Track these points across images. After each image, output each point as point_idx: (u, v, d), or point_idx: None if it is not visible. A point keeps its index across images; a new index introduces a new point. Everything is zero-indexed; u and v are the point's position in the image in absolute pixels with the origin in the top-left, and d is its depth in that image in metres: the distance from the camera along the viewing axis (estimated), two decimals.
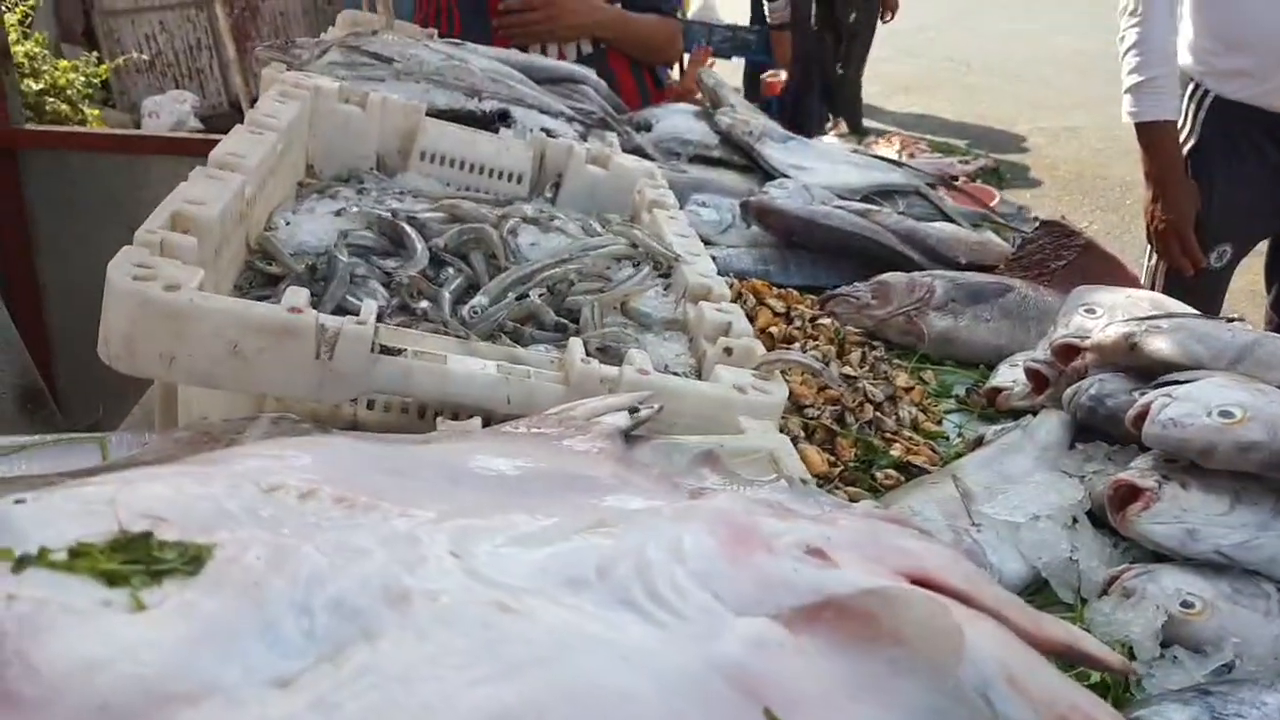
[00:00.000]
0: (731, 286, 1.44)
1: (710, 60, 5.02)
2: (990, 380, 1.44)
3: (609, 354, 1.02)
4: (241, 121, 1.19)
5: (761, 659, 0.46)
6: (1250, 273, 2.71)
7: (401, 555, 0.46)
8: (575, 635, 0.45)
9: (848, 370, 1.36)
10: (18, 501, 0.43)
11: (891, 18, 6.64)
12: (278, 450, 0.58)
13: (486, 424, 0.86)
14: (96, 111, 4.78)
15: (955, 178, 2.28)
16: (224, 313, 0.82)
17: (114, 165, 2.84)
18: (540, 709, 0.40)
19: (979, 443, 1.25)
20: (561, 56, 2.36)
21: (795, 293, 1.58)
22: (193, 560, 0.41)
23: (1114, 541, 1.07)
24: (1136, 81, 2.24)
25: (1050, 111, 8.69)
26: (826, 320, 1.50)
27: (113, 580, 0.39)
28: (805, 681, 0.46)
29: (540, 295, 1.11)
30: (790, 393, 1.20)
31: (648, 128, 2.09)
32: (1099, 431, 1.20)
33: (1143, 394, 1.09)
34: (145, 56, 5.68)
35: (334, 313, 0.92)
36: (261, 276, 1.09)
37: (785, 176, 1.97)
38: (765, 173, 2.02)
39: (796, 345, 1.40)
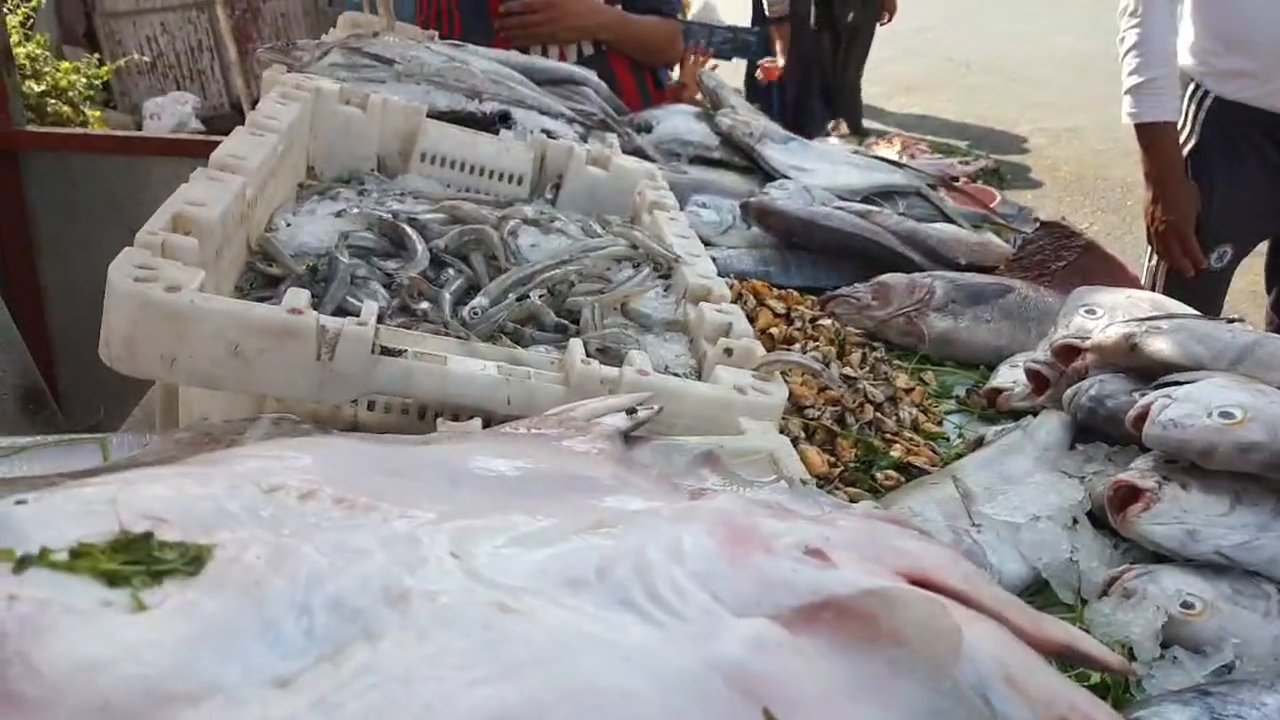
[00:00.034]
0: (732, 287, 1.45)
1: (714, 64, 5.03)
2: (990, 381, 1.44)
3: (609, 355, 1.02)
4: (243, 123, 1.19)
5: (761, 659, 0.46)
6: (1251, 273, 2.71)
7: (402, 556, 0.46)
8: (575, 636, 0.45)
9: (848, 371, 1.36)
10: (19, 502, 0.43)
11: (890, 19, 6.63)
12: (278, 451, 0.58)
13: (487, 425, 0.86)
14: (98, 113, 4.79)
15: (956, 178, 2.28)
16: (225, 314, 0.82)
17: (115, 167, 2.84)
18: (540, 709, 0.40)
19: (979, 443, 1.25)
20: (562, 58, 2.36)
21: (795, 294, 1.58)
22: (193, 560, 0.41)
23: (1114, 542, 1.07)
24: (1136, 82, 2.24)
25: (1051, 112, 8.69)
26: (827, 321, 1.50)
27: (114, 580, 0.39)
28: (804, 682, 0.46)
29: (540, 296, 1.11)
30: (790, 393, 1.21)
31: (648, 129, 2.09)
32: (1099, 432, 1.20)
33: (1143, 395, 1.09)
34: (146, 58, 5.68)
35: (335, 314, 0.92)
36: (262, 278, 1.09)
37: (786, 177, 1.97)
38: (766, 174, 2.03)
39: (797, 346, 1.40)
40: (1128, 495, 1.04)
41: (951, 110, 8.57)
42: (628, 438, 0.78)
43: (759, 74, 6.33)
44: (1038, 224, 2.02)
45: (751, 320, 1.34)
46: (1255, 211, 2.38)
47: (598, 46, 2.44)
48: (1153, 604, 0.95)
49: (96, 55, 5.31)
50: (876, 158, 2.27)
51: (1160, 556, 1.02)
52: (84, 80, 4.67)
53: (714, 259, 1.32)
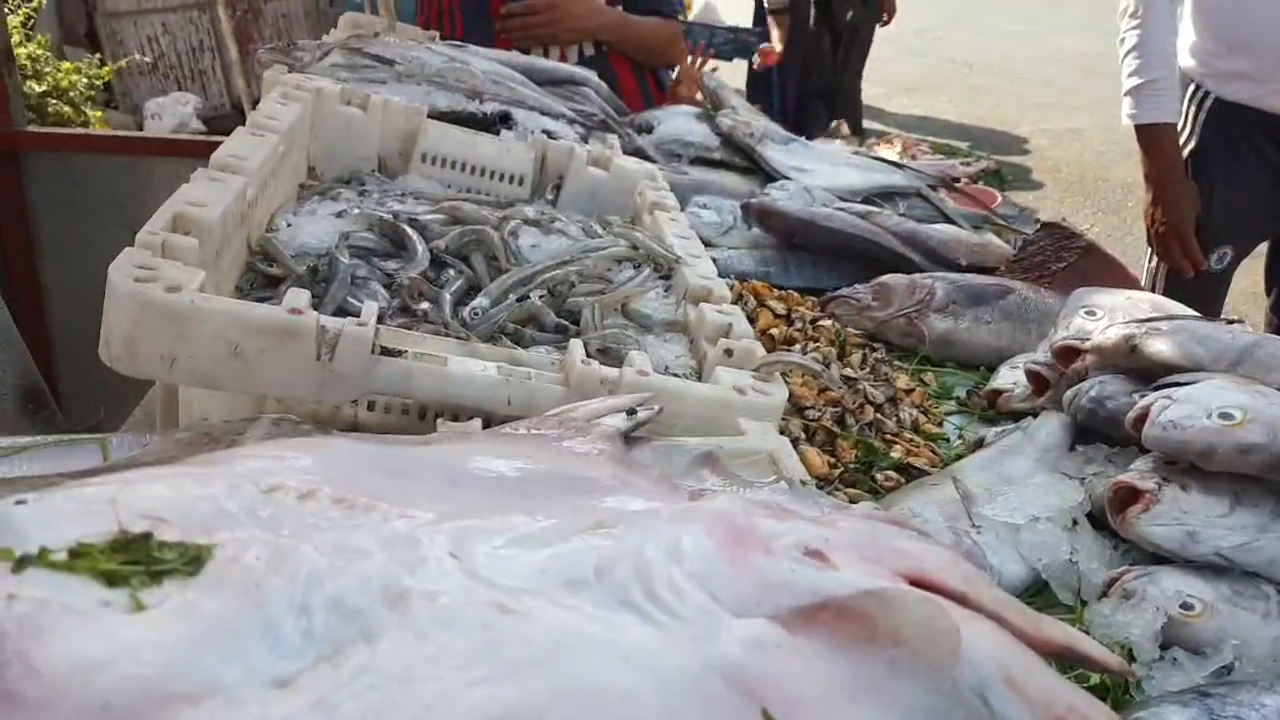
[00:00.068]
0: (732, 288, 1.45)
1: (714, 66, 5.02)
2: (991, 382, 1.44)
3: (609, 355, 1.02)
4: (244, 123, 1.19)
5: (760, 660, 0.46)
6: (1252, 274, 2.71)
7: (401, 556, 0.46)
8: (574, 636, 0.45)
9: (848, 372, 1.36)
10: (18, 502, 0.43)
11: (889, 20, 6.62)
12: (278, 451, 0.59)
13: (487, 425, 0.86)
14: (99, 113, 4.78)
15: (957, 179, 2.28)
16: (225, 314, 0.82)
17: (116, 167, 2.84)
18: (540, 709, 0.40)
19: (979, 444, 1.25)
20: (563, 58, 2.36)
21: (796, 294, 1.58)
22: (192, 560, 0.41)
23: (1114, 543, 1.07)
24: (1136, 84, 2.24)
25: (1052, 113, 8.69)
26: (827, 322, 1.50)
27: (113, 580, 0.39)
28: (804, 682, 0.46)
29: (541, 297, 1.11)
30: (791, 394, 1.21)
31: (649, 130, 2.10)
32: (1099, 433, 1.20)
33: (1143, 396, 1.09)
34: (148, 58, 5.68)
35: (335, 314, 0.92)
36: (263, 278, 1.09)
37: (786, 178, 1.97)
38: (766, 174, 2.03)
39: (797, 347, 1.40)
40: (1127, 496, 1.04)
41: (953, 111, 8.57)
42: (628, 438, 0.78)
43: (755, 60, 6.32)
44: (1038, 225, 2.02)
45: (752, 321, 1.34)
46: (1255, 213, 2.38)
47: (598, 47, 2.44)
48: (1152, 605, 0.95)
49: (98, 55, 5.31)
50: (877, 159, 2.27)
51: (1160, 558, 1.02)
52: (85, 80, 4.67)
53: (714, 259, 1.32)
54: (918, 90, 9.18)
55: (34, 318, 2.83)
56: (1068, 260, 1.74)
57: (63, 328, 2.91)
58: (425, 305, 1.06)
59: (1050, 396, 1.29)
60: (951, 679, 0.48)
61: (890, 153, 2.46)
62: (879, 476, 1.19)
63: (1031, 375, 1.33)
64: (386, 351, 0.87)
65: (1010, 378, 1.42)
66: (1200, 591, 0.96)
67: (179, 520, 0.45)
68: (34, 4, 4.62)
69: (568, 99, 1.95)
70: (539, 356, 0.98)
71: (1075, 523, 1.07)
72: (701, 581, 0.50)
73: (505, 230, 1.22)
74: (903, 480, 1.19)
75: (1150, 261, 2.45)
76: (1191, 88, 2.34)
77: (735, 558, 0.52)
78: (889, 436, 1.27)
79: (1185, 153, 2.34)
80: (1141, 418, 1.05)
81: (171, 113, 5.37)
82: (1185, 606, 0.95)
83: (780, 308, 1.49)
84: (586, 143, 1.68)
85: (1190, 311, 1.40)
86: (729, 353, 1.05)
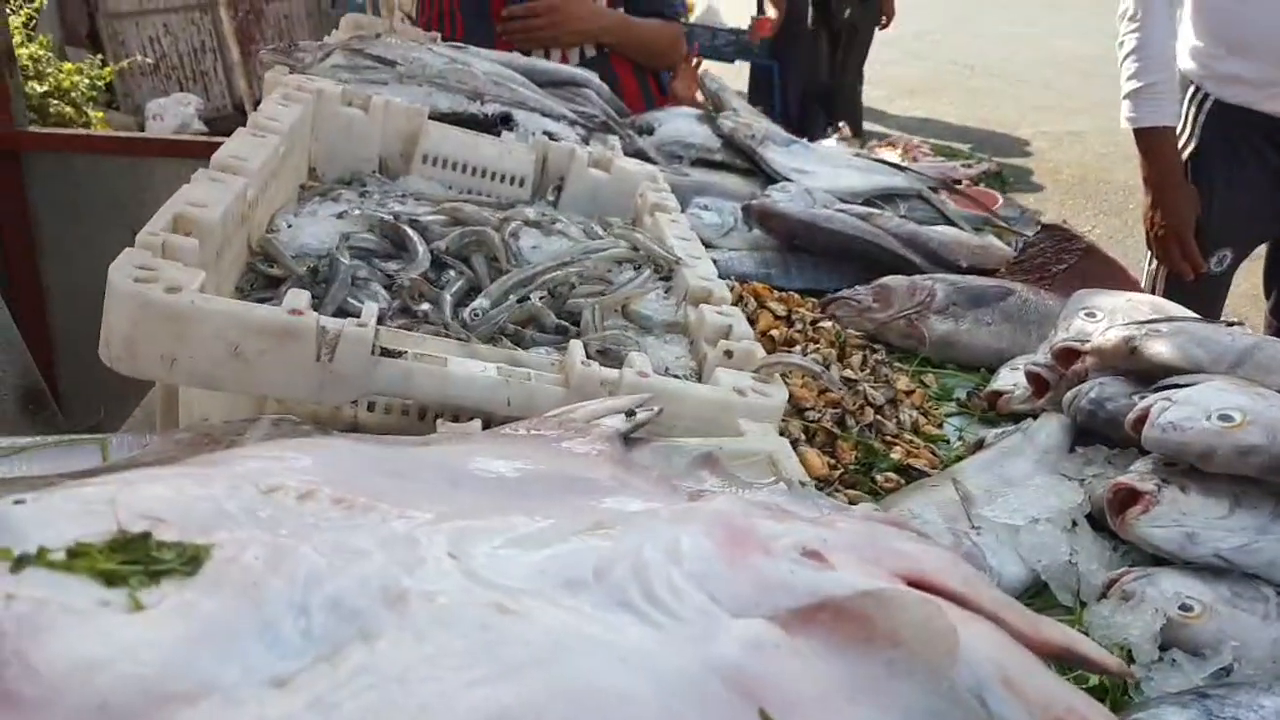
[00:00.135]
0: (733, 289, 1.45)
1: (704, 68, 5.03)
2: (991, 384, 1.44)
3: (609, 356, 1.02)
4: (245, 124, 1.20)
5: (758, 660, 0.46)
6: (1252, 276, 2.71)
7: (400, 556, 0.46)
8: (573, 636, 0.45)
9: (848, 373, 1.36)
10: (17, 502, 0.43)
11: (888, 23, 6.61)
12: (277, 452, 0.59)
13: (487, 426, 0.86)
14: (100, 114, 4.79)
15: (958, 181, 2.28)
16: (225, 314, 0.82)
17: (117, 168, 2.84)
18: (538, 710, 0.40)
19: (979, 446, 1.25)
20: (564, 60, 2.36)
21: (796, 296, 1.58)
22: (191, 560, 0.41)
23: (1113, 545, 1.07)
24: (1135, 87, 2.24)
25: (1053, 115, 8.69)
26: (827, 323, 1.50)
27: (111, 580, 0.39)
28: (802, 683, 0.46)
29: (541, 298, 1.11)
30: (791, 395, 1.21)
31: (650, 131, 2.10)
32: (1099, 435, 1.20)
33: (1142, 398, 1.09)
34: (149, 59, 5.69)
35: (335, 315, 0.93)
36: (263, 279, 1.09)
37: (787, 180, 1.98)
38: (767, 176, 2.03)
39: (797, 348, 1.40)
40: (1127, 498, 1.04)
41: (953, 113, 8.57)
42: (627, 439, 0.78)
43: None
44: (1039, 227, 2.02)
45: (752, 322, 1.34)
46: (1255, 215, 2.38)
47: (600, 49, 2.44)
48: (1151, 606, 0.95)
49: (99, 56, 5.31)
50: (878, 161, 2.27)
51: (1159, 559, 1.02)
52: (87, 81, 4.68)
53: (715, 261, 1.32)
54: (918, 93, 9.18)
55: (35, 318, 2.83)
56: (1068, 262, 1.74)
57: (64, 328, 2.92)
58: (426, 306, 1.06)
59: (1050, 398, 1.29)
60: (949, 680, 0.48)
61: (891, 155, 2.46)
62: (879, 478, 1.19)
63: (1031, 377, 1.33)
64: (386, 352, 0.87)
65: (1010, 379, 1.42)
66: (1199, 593, 0.96)
67: (178, 520, 0.45)
68: (36, 4, 4.63)
69: (569, 100, 1.95)
70: (539, 357, 0.98)
71: (1075, 524, 1.07)
72: (700, 582, 0.50)
73: (506, 231, 1.22)
74: (903, 482, 1.19)
75: (1150, 264, 2.45)
76: (1191, 90, 2.34)
77: (734, 558, 0.52)
78: (889, 438, 1.27)
79: (1185, 155, 2.34)
80: (1141, 419, 1.05)
81: (173, 113, 5.38)
82: (1184, 608, 0.95)
83: (780, 309, 1.49)
84: (587, 144, 1.69)
85: (1190, 314, 1.40)
86: (729, 354, 1.05)
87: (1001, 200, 2.24)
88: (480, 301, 1.07)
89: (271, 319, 0.84)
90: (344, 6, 5.39)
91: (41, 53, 4.49)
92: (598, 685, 0.42)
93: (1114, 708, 0.84)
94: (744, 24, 6.80)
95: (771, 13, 6.27)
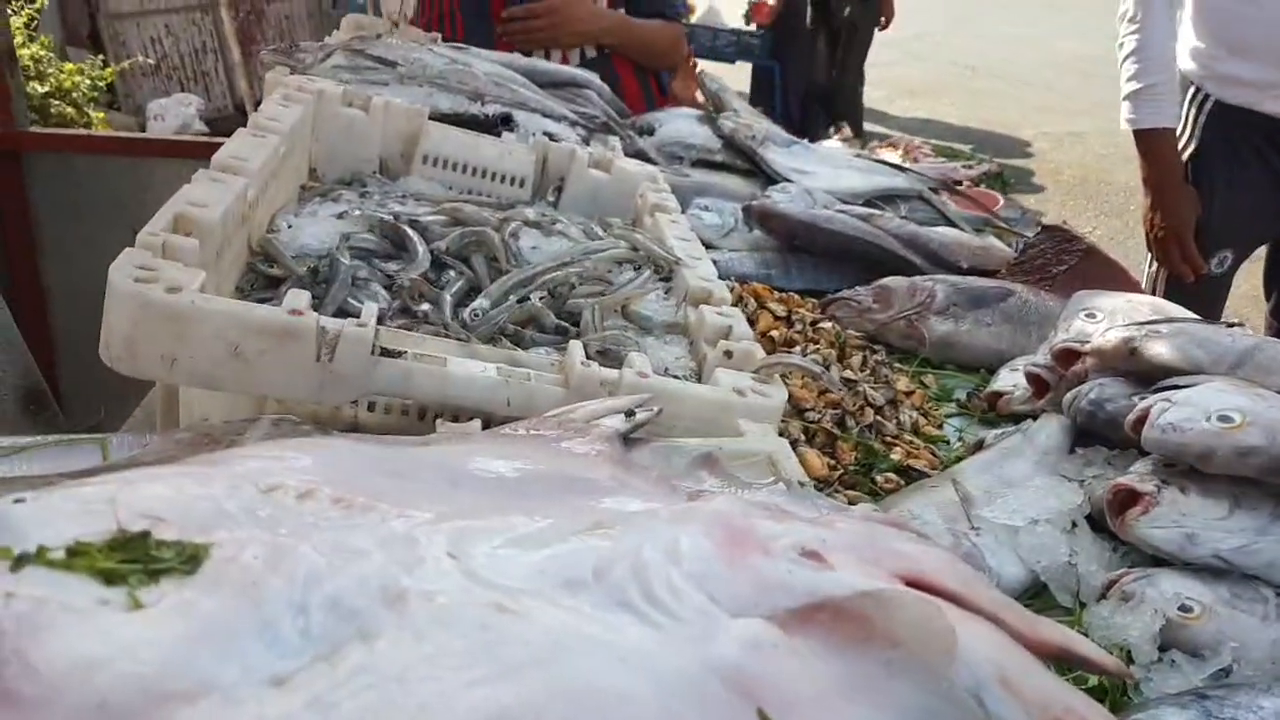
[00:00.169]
0: (733, 290, 1.45)
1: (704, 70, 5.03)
2: (991, 384, 1.44)
3: (609, 357, 1.02)
4: (246, 125, 1.20)
5: (757, 660, 0.46)
6: (1253, 277, 2.71)
7: (399, 556, 0.46)
8: (572, 636, 0.45)
9: (848, 374, 1.36)
10: (17, 501, 0.43)
11: (887, 24, 6.61)
12: (277, 451, 0.59)
13: (486, 426, 0.86)
14: (101, 114, 4.80)
15: (959, 182, 2.28)
16: (225, 315, 0.82)
17: (118, 168, 2.85)
18: (537, 710, 0.40)
19: (979, 447, 1.25)
20: (565, 60, 2.37)
21: (796, 296, 1.58)
22: (190, 560, 0.41)
23: (1113, 545, 1.07)
24: (1135, 89, 2.24)
25: (1054, 116, 8.70)
26: (827, 324, 1.50)
27: (111, 579, 0.39)
28: (800, 682, 0.46)
29: (541, 298, 1.11)
30: (791, 396, 1.21)
31: (650, 132, 2.10)
32: (1099, 436, 1.20)
33: (1142, 398, 1.09)
34: (150, 60, 5.70)
35: (335, 315, 0.93)
36: (263, 279, 1.09)
37: (788, 181, 1.98)
38: (768, 177, 2.03)
39: (797, 349, 1.40)
40: (1126, 499, 1.04)
41: (955, 114, 8.57)
42: (627, 439, 0.78)
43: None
44: (1039, 228, 2.02)
45: (752, 323, 1.34)
46: (1256, 215, 2.37)
47: (600, 49, 2.44)
48: (1151, 607, 0.95)
49: (100, 57, 5.32)
50: (879, 161, 2.27)
51: (1159, 560, 1.02)
52: (88, 82, 4.68)
53: (715, 261, 1.32)
54: (919, 94, 9.18)
55: (36, 318, 2.83)
56: (1068, 263, 1.74)
57: (64, 328, 2.92)
58: (426, 306, 1.06)
59: (1050, 399, 1.29)
60: (947, 679, 0.48)
61: (892, 156, 2.47)
62: (879, 479, 1.19)
63: (1031, 378, 1.33)
64: (386, 352, 0.87)
65: (1010, 380, 1.42)
66: (1199, 594, 0.96)
67: (177, 520, 0.45)
68: (37, 5, 4.63)
69: (569, 101, 1.95)
70: (539, 358, 0.98)
71: (1074, 525, 1.07)
72: (699, 582, 0.50)
73: (506, 232, 1.22)
74: (902, 482, 1.19)
75: (1151, 265, 2.45)
76: (1191, 90, 2.34)
77: (733, 559, 0.53)
78: (889, 439, 1.27)
79: (1185, 156, 2.34)
80: (1141, 420, 1.05)
81: (174, 114, 5.38)
82: (1184, 609, 0.95)
83: (780, 310, 1.49)
84: (588, 145, 1.69)
85: (1190, 315, 1.40)
86: (729, 354, 1.05)
87: (1003, 201, 2.24)
88: (480, 302, 1.07)
89: (271, 319, 0.84)
90: (345, 7, 5.39)
91: (43, 53, 4.49)
92: (597, 685, 0.42)
93: (1113, 708, 0.84)
94: (744, 25, 6.81)
95: None
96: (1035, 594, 1.03)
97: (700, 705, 0.43)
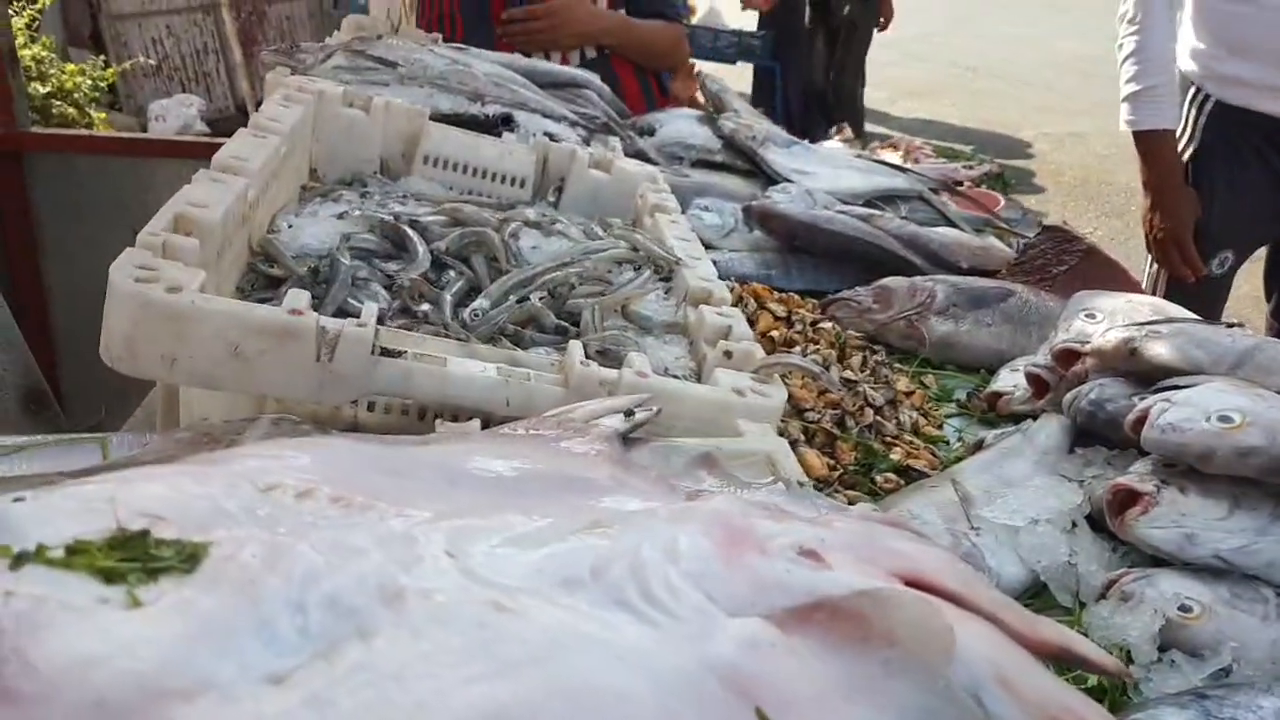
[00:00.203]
0: (733, 290, 1.45)
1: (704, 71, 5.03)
2: (991, 385, 1.45)
3: (609, 357, 1.02)
4: (247, 125, 1.20)
5: (755, 659, 0.46)
6: (1254, 278, 2.70)
7: (397, 554, 0.47)
8: (570, 635, 0.45)
9: (848, 374, 1.36)
10: (17, 499, 0.43)
11: (886, 25, 6.58)
12: (276, 450, 0.59)
13: (486, 426, 0.86)
14: (103, 115, 4.80)
15: (960, 183, 2.28)
16: (225, 314, 0.83)
17: (120, 168, 2.85)
18: (535, 708, 0.40)
19: (979, 447, 1.25)
20: (564, 61, 2.37)
21: (796, 297, 1.59)
22: (189, 558, 0.42)
23: (1113, 546, 1.07)
24: (1135, 90, 2.24)
25: (1055, 117, 8.69)
26: (827, 324, 1.50)
27: (110, 577, 0.39)
28: (798, 682, 0.46)
29: (541, 298, 1.11)
30: (791, 396, 1.21)
31: (651, 132, 2.10)
32: (1099, 436, 1.20)
33: (1142, 399, 1.09)
34: (152, 60, 5.70)
35: (335, 315, 0.93)
36: (264, 279, 1.09)
37: (788, 181, 1.98)
38: (768, 177, 2.03)
39: (797, 349, 1.40)
40: (1126, 499, 1.04)
41: (956, 115, 8.57)
42: (626, 439, 0.78)
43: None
44: (1040, 229, 2.02)
45: (752, 323, 1.34)
46: (1257, 216, 2.37)
47: (600, 49, 2.44)
48: (1150, 607, 0.95)
49: (102, 57, 5.32)
50: (879, 162, 2.27)
51: (1158, 560, 1.02)
52: (89, 82, 4.69)
53: (715, 262, 1.32)
54: (920, 94, 9.18)
55: (37, 318, 2.84)
56: (1069, 264, 1.74)
57: (66, 328, 2.92)
58: (426, 306, 1.06)
59: (1050, 399, 1.30)
60: (945, 679, 0.48)
61: (893, 156, 2.47)
62: (878, 479, 1.19)
63: (1031, 378, 1.33)
64: (386, 352, 0.87)
65: (1010, 380, 1.42)
66: (1199, 594, 0.96)
67: (176, 518, 0.45)
68: (38, 5, 4.63)
69: (570, 101, 1.95)
70: (538, 358, 0.98)
71: (1074, 525, 1.07)
72: (697, 581, 0.50)
73: (506, 232, 1.22)
74: (902, 482, 1.19)
75: (1151, 266, 2.45)
76: (1192, 90, 2.33)
77: (731, 558, 0.53)
78: (889, 439, 1.27)
79: (1186, 156, 2.34)
80: (1141, 420, 1.05)
81: (175, 114, 5.39)
82: (1184, 609, 0.95)
83: (780, 310, 1.49)
84: (588, 145, 1.69)
85: (1190, 315, 1.40)
86: (728, 354, 1.05)
87: (1004, 202, 2.24)
88: (480, 302, 1.07)
89: (271, 319, 0.84)
90: (346, 8, 5.39)
91: (44, 54, 4.50)
92: (594, 683, 0.42)
93: (1113, 708, 0.84)
94: (745, 26, 6.81)
95: None
96: (1035, 594, 1.03)
97: (698, 704, 0.44)
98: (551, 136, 1.69)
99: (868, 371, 1.40)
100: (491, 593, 0.46)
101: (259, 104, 1.42)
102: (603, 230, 1.33)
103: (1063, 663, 0.59)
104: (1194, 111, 2.33)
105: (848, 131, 2.92)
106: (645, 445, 0.78)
